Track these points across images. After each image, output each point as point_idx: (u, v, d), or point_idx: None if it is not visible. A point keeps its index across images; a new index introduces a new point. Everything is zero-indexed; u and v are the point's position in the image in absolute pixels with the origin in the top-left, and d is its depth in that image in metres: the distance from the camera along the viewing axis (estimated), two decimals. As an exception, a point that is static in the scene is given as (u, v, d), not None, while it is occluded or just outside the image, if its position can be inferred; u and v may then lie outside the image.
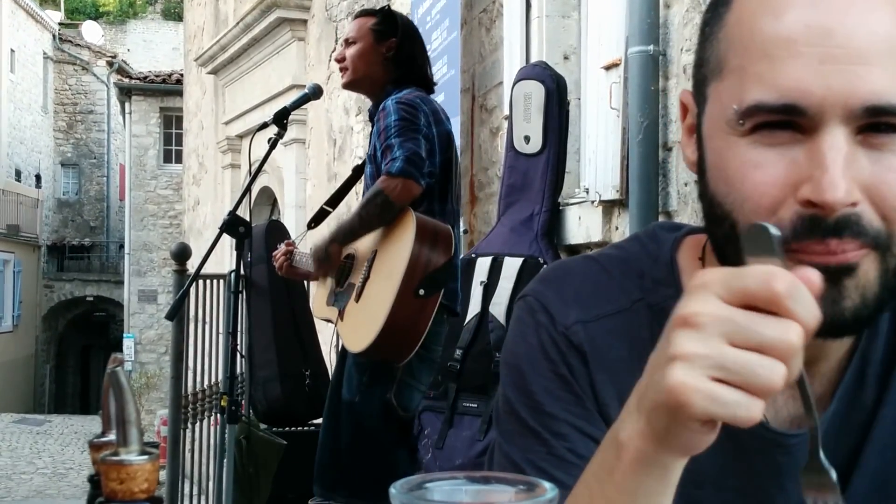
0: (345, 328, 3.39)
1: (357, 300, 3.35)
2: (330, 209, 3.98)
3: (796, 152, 0.85)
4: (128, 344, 22.68)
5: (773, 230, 0.74)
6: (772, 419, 0.99)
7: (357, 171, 4.04)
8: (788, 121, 0.86)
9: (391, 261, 3.24)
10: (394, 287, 3.15)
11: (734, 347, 0.69)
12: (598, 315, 1.02)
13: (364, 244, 3.42)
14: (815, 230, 0.84)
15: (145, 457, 0.53)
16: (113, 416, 0.61)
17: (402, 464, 3.52)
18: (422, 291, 3.17)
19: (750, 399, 0.69)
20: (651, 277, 1.04)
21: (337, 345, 6.12)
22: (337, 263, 3.43)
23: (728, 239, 0.90)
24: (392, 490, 0.62)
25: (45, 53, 32.11)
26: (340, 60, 3.69)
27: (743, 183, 0.88)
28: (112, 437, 0.63)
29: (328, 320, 3.65)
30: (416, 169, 3.20)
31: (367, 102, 3.83)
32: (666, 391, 0.71)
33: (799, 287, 0.70)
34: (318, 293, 3.71)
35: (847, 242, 0.84)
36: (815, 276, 0.72)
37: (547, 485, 0.62)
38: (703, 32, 0.97)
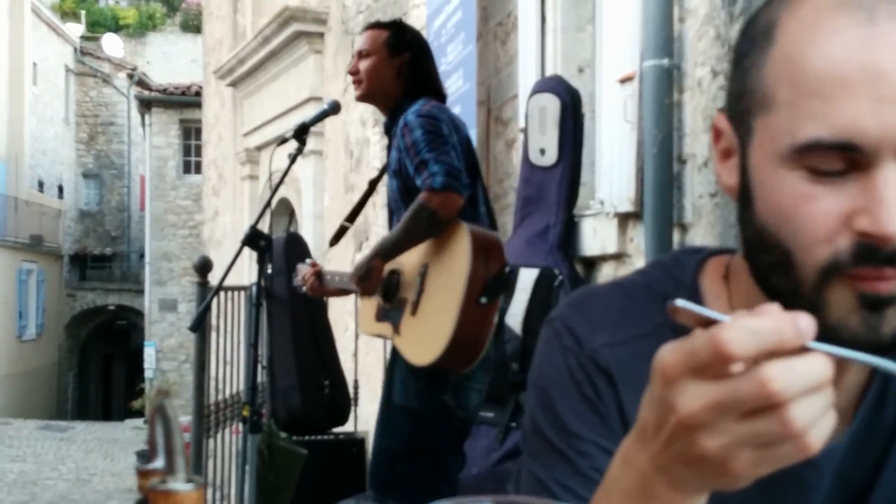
0: (404, 342, 3.39)
1: (414, 314, 3.36)
2: (349, 225, 4.00)
3: (850, 187, 0.86)
4: (149, 352, 22.77)
5: (687, 306, 0.73)
6: None
7: (372, 184, 4.06)
8: (844, 161, 0.86)
9: (448, 273, 3.27)
10: (457, 299, 3.17)
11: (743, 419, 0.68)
12: (624, 338, 1.03)
13: (410, 260, 3.43)
14: (871, 258, 0.85)
15: (191, 485, 0.55)
16: (160, 445, 0.62)
17: (453, 468, 3.55)
18: (483, 300, 3.20)
19: (793, 443, 0.68)
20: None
21: (355, 354, 6.16)
22: (379, 279, 3.44)
23: (777, 266, 0.91)
24: (420, 513, 0.63)
25: (66, 66, 32.27)
26: (354, 73, 3.70)
27: (797, 215, 0.89)
28: (158, 464, 0.65)
29: (380, 336, 3.67)
30: (457, 181, 3.23)
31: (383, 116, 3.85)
32: (717, 480, 0.71)
33: (740, 330, 0.68)
34: (363, 310, 3.71)
35: None
36: (805, 326, 0.69)
37: (574, 510, 0.63)
38: (742, 64, 0.97)
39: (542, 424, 1.04)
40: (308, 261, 3.92)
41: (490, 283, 3.23)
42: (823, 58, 0.87)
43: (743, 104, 0.96)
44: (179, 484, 0.56)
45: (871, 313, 0.86)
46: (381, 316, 3.55)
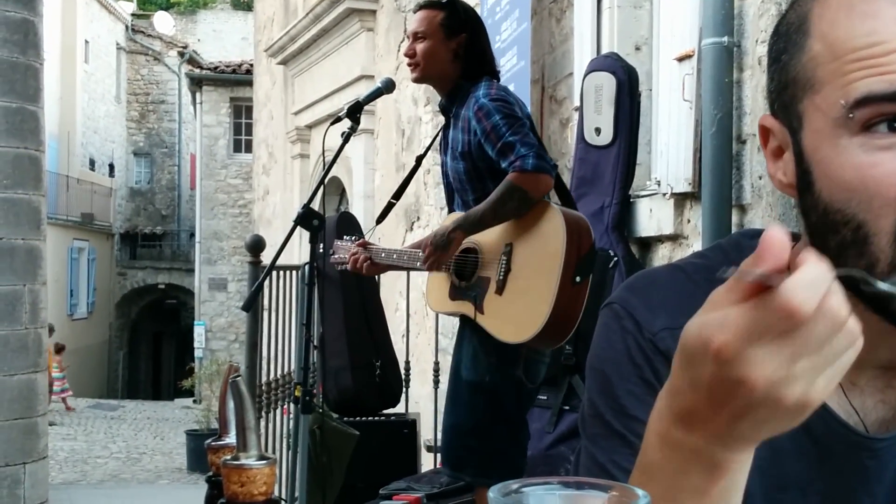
0: (492, 321, 3.43)
1: (500, 293, 3.40)
2: (395, 201, 4.03)
3: None
4: (199, 331, 22.99)
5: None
6: (859, 422, 0.99)
7: (418, 161, 4.08)
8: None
9: (541, 253, 3.31)
10: (554, 278, 3.23)
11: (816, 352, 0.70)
12: (684, 323, 1.03)
13: (487, 238, 3.47)
14: None
15: (264, 461, 0.56)
16: (232, 422, 0.64)
17: (523, 442, 3.60)
18: (578, 279, 3.26)
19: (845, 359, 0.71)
20: None
21: (406, 335, 6.18)
22: (455, 251, 3.48)
23: (849, 244, 0.91)
24: (490, 494, 0.64)
25: (118, 44, 32.54)
26: (410, 55, 3.71)
27: (863, 183, 0.89)
28: (228, 440, 0.66)
29: (455, 314, 3.70)
30: (546, 162, 3.30)
31: (436, 93, 3.86)
32: (793, 412, 0.72)
33: (802, 284, 0.70)
34: (434, 289, 3.74)
35: None
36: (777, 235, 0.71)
37: (640, 492, 0.64)
38: (779, 61, 0.98)
39: (602, 407, 1.05)
40: (346, 237, 3.95)
41: (582, 261, 3.27)
42: (864, 29, 0.89)
43: (787, 94, 0.97)
44: (252, 460, 0.57)
45: None
46: (457, 294, 3.58)
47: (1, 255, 5.45)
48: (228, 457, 0.54)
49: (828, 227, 0.94)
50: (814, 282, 0.69)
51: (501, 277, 3.39)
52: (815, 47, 0.94)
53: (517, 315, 3.35)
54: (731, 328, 0.71)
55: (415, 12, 3.79)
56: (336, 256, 3.90)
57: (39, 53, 5.68)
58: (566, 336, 3.35)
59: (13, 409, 5.48)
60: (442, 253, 3.47)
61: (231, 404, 0.63)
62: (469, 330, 3.52)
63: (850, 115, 0.89)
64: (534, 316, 3.26)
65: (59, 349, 21.34)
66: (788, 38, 0.97)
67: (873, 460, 0.99)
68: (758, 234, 1.11)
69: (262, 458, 0.55)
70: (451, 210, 3.74)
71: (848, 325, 0.70)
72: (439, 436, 4.41)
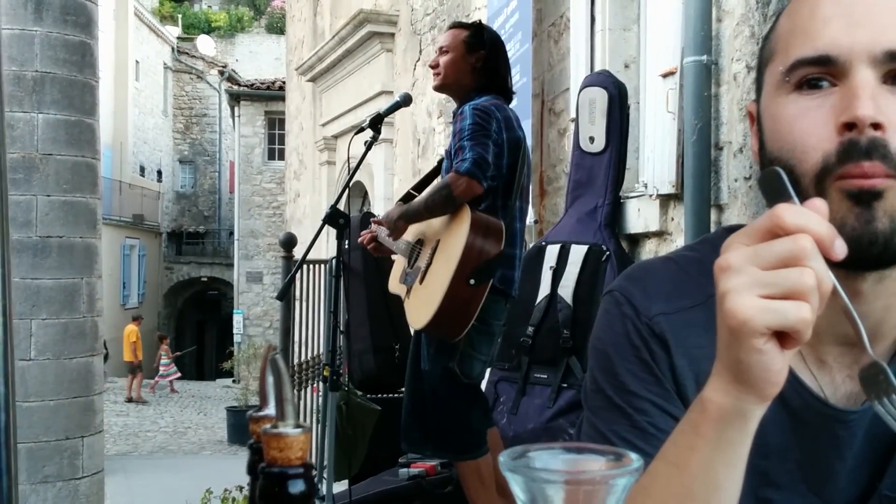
0: (410, 305, 3.47)
1: (421, 282, 3.42)
2: (416, 193, 4.04)
3: (834, 99, 0.92)
4: (237, 319, 23.04)
5: (780, 171, 0.80)
6: (831, 397, 1.00)
7: (440, 163, 4.09)
8: (825, 75, 0.93)
9: (449, 251, 3.30)
10: (448, 275, 3.21)
11: (765, 270, 0.74)
12: (678, 308, 1.04)
13: (432, 232, 3.49)
14: (852, 153, 0.89)
15: (300, 430, 0.57)
16: (271, 395, 0.65)
17: (476, 421, 3.57)
18: (472, 281, 3.22)
19: (795, 303, 0.73)
20: None
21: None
22: (402, 232, 3.53)
23: None
24: (500, 458, 0.64)
25: (165, 64, 32.60)
26: (434, 66, 3.73)
27: (792, 131, 0.94)
28: (267, 412, 0.67)
29: (398, 295, 3.73)
30: (481, 171, 3.26)
31: (449, 107, 3.87)
32: (726, 320, 0.76)
33: (798, 209, 0.75)
34: (394, 270, 3.80)
35: (877, 166, 0.89)
36: (818, 202, 0.77)
37: (633, 456, 0.64)
38: (762, 53, 1.05)
39: (603, 384, 1.06)
40: (372, 219, 3.98)
41: (482, 266, 3.23)
42: (811, 10, 0.95)
43: (759, 71, 1.04)
44: (289, 429, 0.58)
45: (862, 209, 0.89)
46: (402, 279, 3.62)
47: (61, 252, 5.47)
48: (268, 426, 0.55)
49: None
50: (807, 216, 0.74)
51: (425, 269, 3.40)
52: (778, 28, 1.01)
53: (420, 305, 3.36)
54: (732, 250, 0.77)
55: (446, 31, 3.83)
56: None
57: (95, 72, 5.69)
58: (459, 331, 3.29)
59: (72, 388, 5.51)
60: (394, 232, 3.56)
61: (270, 379, 0.64)
62: None
63: (787, 79, 0.95)
64: (427, 308, 3.25)
65: (162, 338, 21.42)
66: (768, 33, 1.03)
67: (845, 430, 1.00)
68: (739, 228, 1.12)
69: (298, 426, 0.56)
70: None
71: (806, 270, 0.73)
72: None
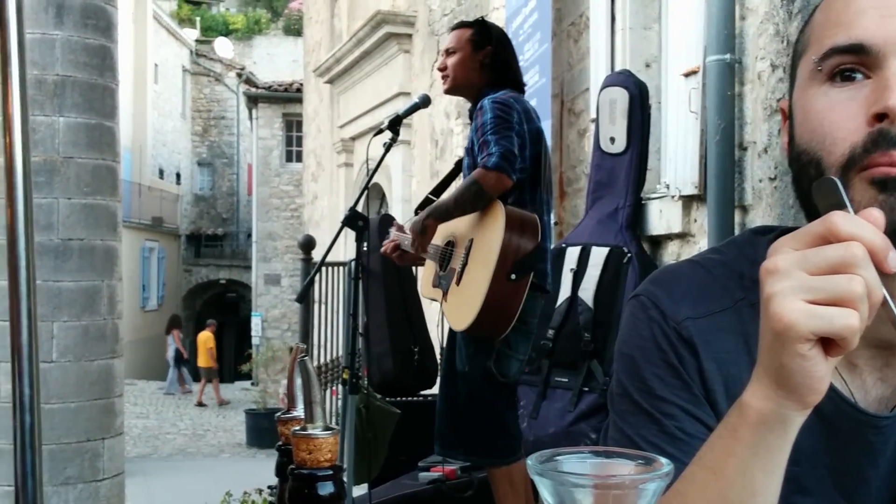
0: (448, 308, 3.43)
1: (458, 283, 3.38)
2: (434, 198, 4.01)
3: (866, 90, 0.91)
4: (256, 321, 23.10)
5: (837, 180, 0.78)
6: (861, 401, 0.98)
7: (458, 165, 4.06)
8: (857, 65, 0.92)
9: (485, 249, 3.27)
10: (489, 273, 3.18)
11: (813, 275, 0.73)
12: (706, 312, 1.03)
13: (462, 232, 3.44)
14: (881, 142, 0.88)
15: (329, 432, 0.57)
16: (299, 397, 0.64)
17: (510, 425, 3.54)
18: (513, 276, 3.20)
19: (843, 310, 0.72)
20: (750, 278, 1.03)
21: (441, 322, 6.18)
22: (432, 235, 3.47)
23: (815, 178, 0.93)
24: (528, 462, 0.64)
25: (183, 67, 32.74)
26: (442, 69, 3.71)
27: (822, 123, 0.93)
28: (295, 413, 0.67)
29: (434, 300, 3.70)
30: (510, 164, 3.22)
31: (466, 107, 3.85)
32: (771, 323, 0.74)
33: (853, 217, 0.74)
34: (425, 274, 3.76)
35: None
36: (875, 212, 0.75)
37: (664, 460, 0.64)
38: (795, 48, 1.04)
39: (630, 388, 1.05)
40: (395, 225, 3.93)
41: (521, 260, 3.21)
42: (846, 2, 0.94)
43: (792, 65, 1.03)
44: (318, 430, 0.58)
45: (888, 196, 0.88)
46: (436, 282, 3.58)
47: (82, 255, 5.50)
48: (297, 427, 0.55)
49: (802, 169, 0.97)
50: (862, 225, 0.73)
51: (461, 270, 3.37)
52: (812, 23, 1.00)
53: (461, 306, 3.32)
54: (780, 254, 0.76)
55: (448, 33, 3.80)
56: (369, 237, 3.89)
57: (115, 76, 5.72)
58: (505, 328, 3.26)
59: (93, 390, 5.52)
60: (423, 238, 3.46)
61: (298, 381, 0.64)
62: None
63: (819, 68, 0.94)
64: (470, 308, 3.22)
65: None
66: (804, 27, 1.03)
67: (878, 436, 0.98)
68: (767, 230, 1.11)
69: (326, 428, 0.55)
70: None
71: (855, 278, 0.72)
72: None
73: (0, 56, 1.65)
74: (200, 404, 19.10)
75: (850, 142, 0.90)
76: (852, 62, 0.92)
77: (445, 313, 3.42)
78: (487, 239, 3.27)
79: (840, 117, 0.91)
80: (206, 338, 20.40)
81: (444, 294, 3.45)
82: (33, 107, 5.22)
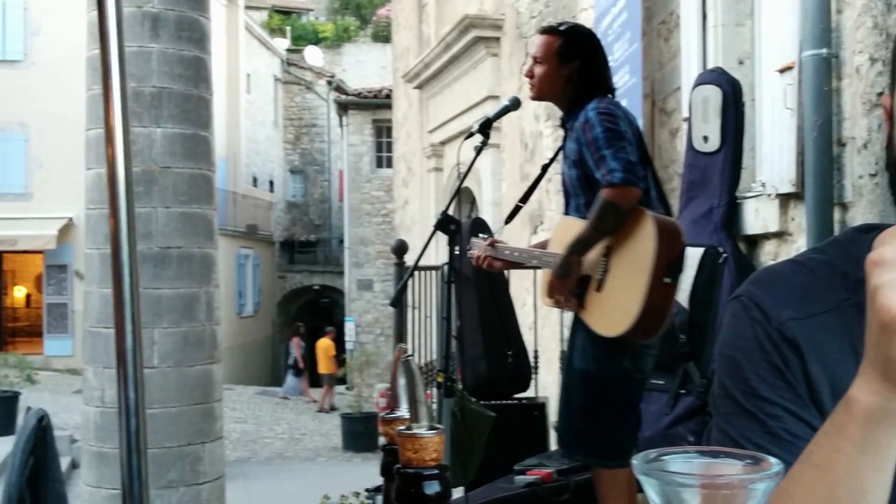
0: (592, 316, 3.39)
1: (599, 290, 3.35)
2: (522, 205, 3.99)
3: None
4: (349, 326, 23.32)
5: None
6: None
7: (544, 169, 4.03)
8: None
9: (634, 255, 3.25)
10: (645, 278, 3.17)
11: None
12: (810, 313, 1.01)
13: None
14: None
15: (433, 431, 0.58)
16: (402, 397, 0.65)
17: (632, 426, 3.52)
18: (667, 279, 3.20)
19: None
20: (854, 278, 1.01)
21: (533, 327, 6.17)
22: (577, 273, 3.42)
23: None
24: (633, 461, 0.64)
25: (275, 76, 33.27)
26: (529, 76, 3.68)
27: None
28: (399, 413, 0.68)
29: (561, 308, 3.68)
30: (634, 176, 3.22)
31: (556, 109, 3.82)
32: (878, 315, 0.73)
33: None
34: (545, 283, 3.71)
35: None
36: None
37: (773, 460, 0.63)
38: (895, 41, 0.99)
39: (732, 389, 1.04)
40: (480, 235, 3.93)
41: (672, 263, 3.21)
42: None
43: (893, 64, 1.00)
44: (424, 430, 0.58)
45: None
46: None
47: (180, 262, 5.62)
48: (402, 427, 0.55)
49: None
50: None
51: (601, 277, 3.33)
52: None
53: (612, 311, 3.29)
54: (887, 245, 0.75)
55: (537, 36, 3.76)
56: (471, 252, 3.88)
57: (209, 86, 5.84)
58: (658, 330, 3.26)
59: (193, 395, 5.65)
60: (566, 279, 3.42)
61: (402, 381, 0.65)
62: (581, 323, 3.48)
63: None
64: (626, 313, 3.20)
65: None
66: None
67: None
68: (870, 228, 1.08)
69: (431, 427, 0.56)
70: (566, 213, 3.67)
71: None
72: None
73: (101, 69, 1.70)
74: (322, 410, 19.34)
75: None
76: None
77: (588, 321, 3.40)
78: (636, 245, 3.26)
79: None
80: (326, 345, 20.73)
81: (581, 302, 3.42)
82: (131, 118, 5.36)
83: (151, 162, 5.48)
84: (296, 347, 22.29)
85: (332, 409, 19.30)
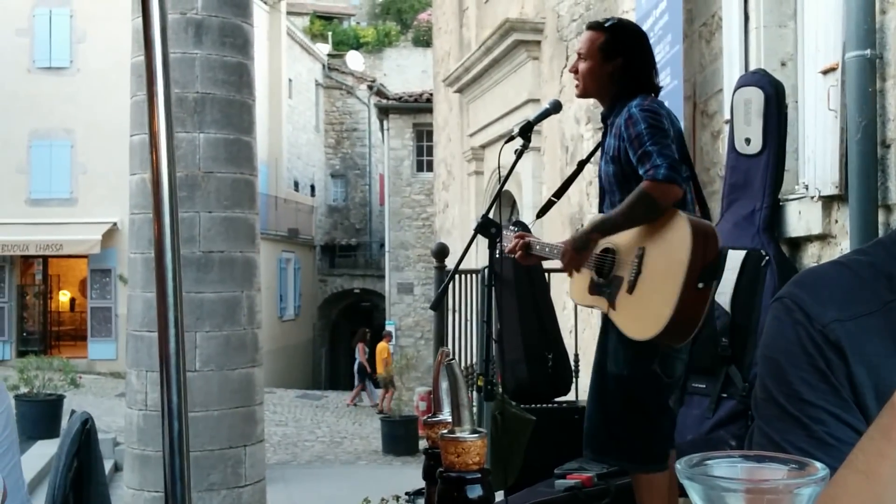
0: (621, 317, 3.35)
1: (630, 292, 3.32)
2: (555, 200, 3.96)
3: None
4: (390, 329, 23.38)
5: None
6: None
7: (580, 165, 3.99)
8: None
9: (668, 258, 3.21)
10: (678, 283, 3.13)
11: None
12: (853, 315, 1.00)
13: (624, 241, 3.37)
14: None
15: (476, 435, 0.58)
16: (445, 401, 0.65)
17: (665, 430, 3.49)
18: (701, 284, 3.15)
19: None
20: None
21: (574, 330, 6.15)
22: (592, 251, 3.42)
23: None
24: (677, 466, 0.63)
25: (316, 81, 33.45)
26: (574, 72, 3.66)
27: None
28: (441, 417, 0.68)
29: (591, 307, 3.65)
30: (678, 174, 3.18)
31: (597, 113, 3.80)
32: None
33: None
34: (576, 282, 3.67)
35: None
36: None
37: (818, 464, 0.62)
38: None
39: (775, 393, 1.02)
40: (511, 228, 3.90)
41: (707, 269, 3.16)
42: None
43: None
44: (467, 433, 0.58)
45: None
46: (595, 290, 3.50)
47: (223, 266, 5.67)
48: (445, 431, 0.55)
49: None
50: None
51: (633, 278, 3.29)
52: None
53: (643, 314, 3.25)
54: None
55: (583, 33, 3.73)
56: (505, 245, 3.85)
57: (252, 92, 5.89)
58: (689, 335, 3.21)
59: (234, 398, 5.69)
60: (583, 252, 3.40)
61: (444, 384, 0.65)
62: (611, 325, 3.44)
63: None
64: (657, 316, 3.16)
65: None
66: None
67: None
68: None
69: (474, 431, 0.56)
70: (600, 210, 3.64)
71: None
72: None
73: (146, 76, 1.72)
74: (382, 412, 19.43)
75: None
76: None
77: (618, 322, 3.37)
78: (671, 248, 3.22)
79: None
80: (382, 348, 20.87)
81: (611, 302, 3.39)
82: (175, 124, 5.41)
83: (195, 167, 5.53)
84: (361, 353, 22.40)
85: (381, 411, 19.37)
